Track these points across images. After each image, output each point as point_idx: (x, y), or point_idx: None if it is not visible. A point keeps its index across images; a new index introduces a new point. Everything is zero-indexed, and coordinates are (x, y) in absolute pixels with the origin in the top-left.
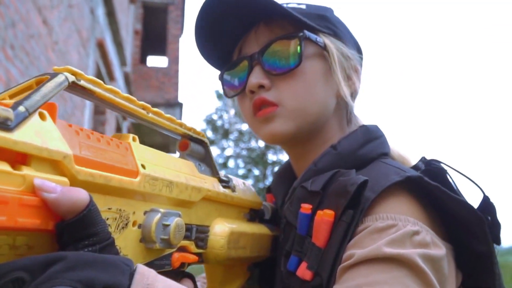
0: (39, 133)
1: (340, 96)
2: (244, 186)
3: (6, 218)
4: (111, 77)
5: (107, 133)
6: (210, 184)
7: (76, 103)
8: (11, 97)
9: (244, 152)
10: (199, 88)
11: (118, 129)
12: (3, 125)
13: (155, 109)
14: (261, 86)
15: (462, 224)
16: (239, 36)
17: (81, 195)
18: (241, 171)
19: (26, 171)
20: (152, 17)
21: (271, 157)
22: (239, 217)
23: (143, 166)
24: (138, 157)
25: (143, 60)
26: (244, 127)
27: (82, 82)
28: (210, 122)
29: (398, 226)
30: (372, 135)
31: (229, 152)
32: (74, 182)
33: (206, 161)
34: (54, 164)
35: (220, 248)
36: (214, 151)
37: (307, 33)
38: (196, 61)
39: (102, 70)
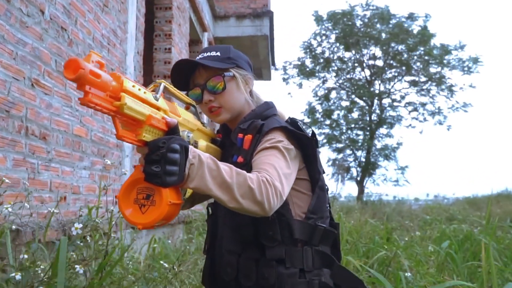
0: (162, 103)
1: (245, 93)
2: (209, 126)
3: (160, 125)
4: None
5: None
6: (199, 124)
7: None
8: (149, 90)
9: (347, 83)
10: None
11: None
12: (155, 99)
13: (177, 91)
14: (210, 100)
15: (303, 142)
16: (190, 73)
17: (174, 120)
18: (344, 103)
19: (160, 112)
20: None
21: (378, 87)
22: (208, 140)
23: (181, 115)
24: (180, 111)
25: None
26: (347, 54)
27: (169, 88)
28: (308, 48)
29: (274, 138)
30: (269, 106)
31: (330, 83)
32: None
33: (195, 114)
34: (165, 111)
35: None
36: (315, 82)
37: (225, 73)
38: None
39: None
